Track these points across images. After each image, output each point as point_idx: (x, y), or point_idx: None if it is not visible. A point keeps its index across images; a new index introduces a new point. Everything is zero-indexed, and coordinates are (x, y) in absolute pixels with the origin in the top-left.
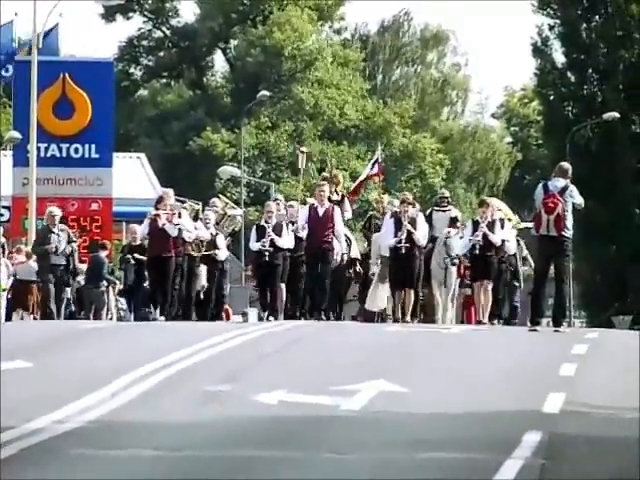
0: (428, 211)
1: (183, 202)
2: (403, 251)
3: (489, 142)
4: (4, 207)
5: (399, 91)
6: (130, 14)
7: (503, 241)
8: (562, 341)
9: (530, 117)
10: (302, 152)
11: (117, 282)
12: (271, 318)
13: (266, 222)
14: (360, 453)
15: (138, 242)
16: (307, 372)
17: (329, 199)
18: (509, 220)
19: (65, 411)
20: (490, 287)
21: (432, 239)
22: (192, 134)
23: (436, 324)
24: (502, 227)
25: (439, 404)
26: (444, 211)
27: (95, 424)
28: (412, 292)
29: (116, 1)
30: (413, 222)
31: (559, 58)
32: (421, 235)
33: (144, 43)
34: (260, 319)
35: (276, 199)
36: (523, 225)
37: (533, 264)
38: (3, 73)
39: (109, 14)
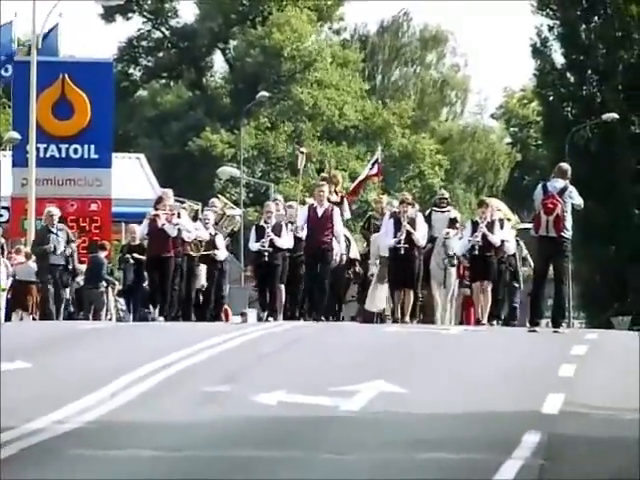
0: (427, 212)
1: (182, 202)
2: (402, 251)
3: (488, 143)
4: (3, 207)
5: (398, 92)
6: (129, 14)
7: (502, 241)
8: (561, 342)
9: (529, 118)
10: (301, 153)
11: (116, 283)
12: (270, 318)
13: (265, 222)
14: (359, 453)
15: (137, 242)
16: (306, 373)
17: (328, 200)
18: (508, 220)
19: (65, 411)
20: (490, 288)
21: (431, 239)
22: (191, 134)
23: (435, 325)
24: (501, 227)
25: (438, 404)
26: (443, 212)
27: (95, 424)
28: (411, 293)
29: (115, 1)
30: (412, 222)
31: (558, 59)
32: (420, 235)
33: (143, 43)
34: (259, 319)
35: (275, 199)
36: (521, 226)
37: (533, 264)
38: (2, 73)
39: (108, 14)
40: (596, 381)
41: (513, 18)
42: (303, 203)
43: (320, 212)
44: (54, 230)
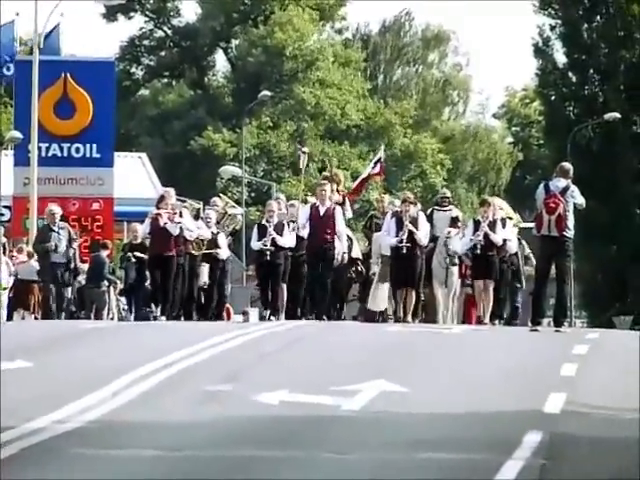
0: (429, 211)
1: (184, 201)
2: (404, 251)
3: (490, 142)
4: (5, 207)
5: (400, 91)
6: (131, 14)
7: (504, 240)
8: (563, 341)
9: (531, 117)
10: (303, 152)
11: (118, 282)
12: (272, 318)
13: (267, 221)
14: (361, 453)
15: (139, 241)
16: (308, 372)
17: (330, 199)
18: (510, 219)
19: (65, 411)
20: (491, 287)
21: (433, 239)
22: (193, 134)
23: (437, 324)
24: (503, 226)
25: (440, 404)
26: (445, 211)
27: (95, 424)
28: (413, 292)
29: (117, 1)
30: (414, 221)
31: (560, 58)
32: (422, 234)
33: (145, 43)
34: (261, 319)
35: (277, 198)
36: (523, 225)
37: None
38: (4, 73)
39: (110, 14)
40: (598, 381)
41: (515, 18)
42: (305, 202)
43: (322, 211)
44: (55, 228)
